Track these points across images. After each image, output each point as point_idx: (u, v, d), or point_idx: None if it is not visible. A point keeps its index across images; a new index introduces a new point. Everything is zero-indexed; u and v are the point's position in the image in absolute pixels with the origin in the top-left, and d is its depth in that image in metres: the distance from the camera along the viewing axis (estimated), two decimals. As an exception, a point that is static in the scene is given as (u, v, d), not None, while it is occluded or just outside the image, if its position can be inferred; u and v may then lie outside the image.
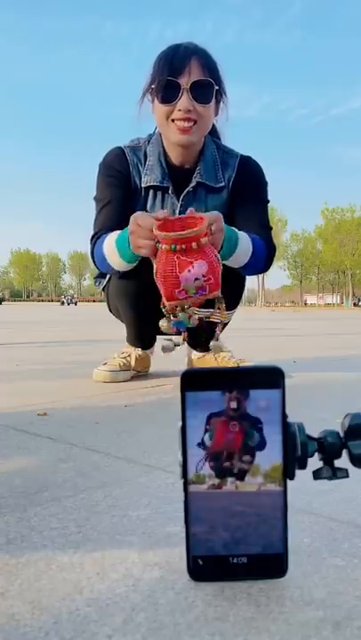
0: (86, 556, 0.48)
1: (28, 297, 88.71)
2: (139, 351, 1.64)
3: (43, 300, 73.26)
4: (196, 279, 1.07)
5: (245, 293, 1.64)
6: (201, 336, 1.60)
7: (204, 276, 1.07)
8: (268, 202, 1.58)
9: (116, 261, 1.33)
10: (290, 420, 0.42)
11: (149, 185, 1.47)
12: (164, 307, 1.14)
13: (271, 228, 1.54)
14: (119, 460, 0.78)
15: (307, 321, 8.84)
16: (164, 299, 1.13)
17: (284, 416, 0.41)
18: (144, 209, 1.47)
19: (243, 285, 1.59)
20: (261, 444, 0.41)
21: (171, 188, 1.47)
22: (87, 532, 0.53)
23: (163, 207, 1.47)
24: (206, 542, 0.42)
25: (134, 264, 1.32)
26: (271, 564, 0.42)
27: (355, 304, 54.65)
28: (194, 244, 1.06)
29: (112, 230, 1.37)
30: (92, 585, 0.42)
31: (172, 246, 1.07)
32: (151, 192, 1.49)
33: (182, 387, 0.41)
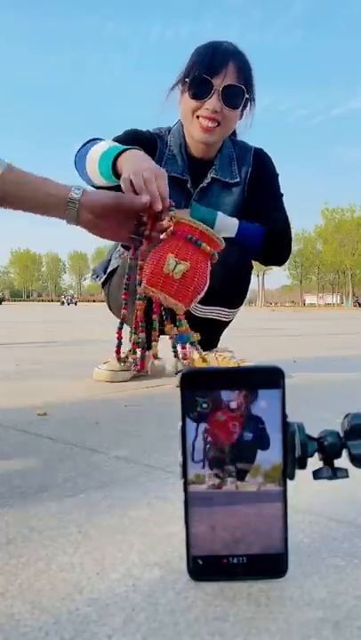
0: (86, 556, 0.48)
1: (28, 297, 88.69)
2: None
3: (43, 300, 73.23)
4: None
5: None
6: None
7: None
8: (283, 195, 1.61)
9: (94, 171, 1.22)
10: (290, 419, 0.42)
11: (169, 175, 1.48)
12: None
13: (288, 223, 1.56)
14: (119, 460, 0.78)
15: (307, 321, 8.84)
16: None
17: (284, 416, 0.41)
18: None
19: (247, 284, 1.59)
20: (262, 444, 0.41)
21: (190, 182, 1.51)
22: (87, 531, 0.53)
23: (178, 198, 1.48)
24: (206, 542, 0.42)
25: (110, 183, 1.19)
26: (271, 564, 0.42)
27: (359, 303, 54.42)
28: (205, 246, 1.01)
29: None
30: (92, 585, 0.42)
31: (189, 236, 1.00)
32: (169, 182, 1.49)
33: (182, 387, 0.41)
